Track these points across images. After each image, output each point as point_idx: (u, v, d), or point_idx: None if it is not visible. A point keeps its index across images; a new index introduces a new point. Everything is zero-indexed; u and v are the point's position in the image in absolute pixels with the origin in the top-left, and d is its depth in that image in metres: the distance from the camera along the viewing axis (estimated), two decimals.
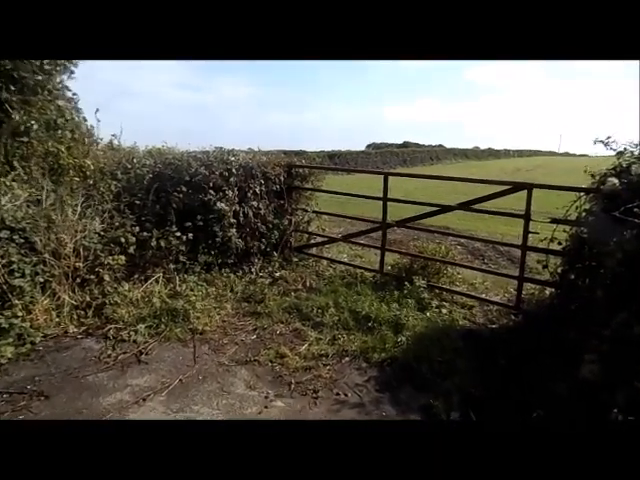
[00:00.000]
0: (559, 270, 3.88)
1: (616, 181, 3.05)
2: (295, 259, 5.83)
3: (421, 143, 49.97)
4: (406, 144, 47.52)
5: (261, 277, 5.22)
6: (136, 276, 4.56)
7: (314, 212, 6.02)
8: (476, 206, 4.56)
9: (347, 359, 3.51)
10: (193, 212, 4.92)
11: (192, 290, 4.57)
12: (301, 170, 5.95)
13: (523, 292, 4.78)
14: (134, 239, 4.47)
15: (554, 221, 3.83)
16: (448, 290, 4.74)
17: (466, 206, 4.51)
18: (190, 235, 4.78)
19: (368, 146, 44.47)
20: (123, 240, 4.38)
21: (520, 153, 59.85)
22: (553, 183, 4.93)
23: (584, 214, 3.63)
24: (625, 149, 3.33)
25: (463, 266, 5.31)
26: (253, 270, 5.34)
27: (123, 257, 4.33)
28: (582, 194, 3.68)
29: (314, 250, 6.14)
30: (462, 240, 7.28)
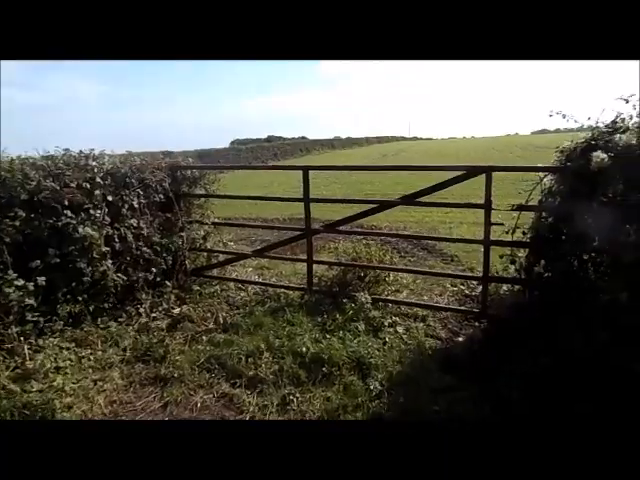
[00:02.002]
0: (524, 264, 3.43)
1: (604, 155, 2.61)
2: (195, 287, 4.55)
3: (284, 136, 50.55)
4: (270, 138, 47.69)
5: (155, 319, 3.91)
6: None
7: (214, 223, 4.81)
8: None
9: None
10: (42, 245, 3.35)
11: (55, 361, 3.10)
12: (189, 172, 4.68)
13: (467, 291, 4.37)
14: None
15: (518, 208, 3.35)
16: (395, 302, 4.03)
17: (410, 200, 3.81)
18: (41, 280, 3.24)
19: (232, 142, 43.33)
20: None
21: (379, 140, 64.49)
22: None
23: (548, 197, 3.22)
24: (597, 122, 2.96)
25: (410, 271, 4.67)
26: (142, 311, 3.97)
27: None
28: (544, 174, 3.26)
29: (215, 272, 4.93)
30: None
